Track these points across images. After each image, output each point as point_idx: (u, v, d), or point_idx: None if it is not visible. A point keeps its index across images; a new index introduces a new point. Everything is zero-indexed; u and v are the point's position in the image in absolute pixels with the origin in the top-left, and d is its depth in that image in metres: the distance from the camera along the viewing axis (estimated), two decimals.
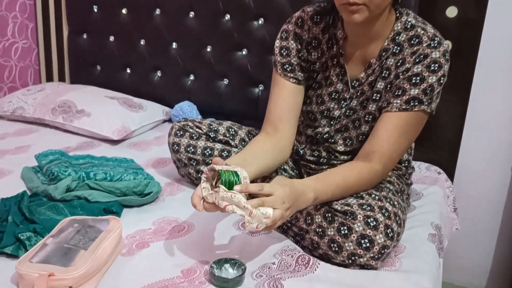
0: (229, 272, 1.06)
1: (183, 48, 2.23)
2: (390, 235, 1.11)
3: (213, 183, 1.08)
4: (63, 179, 1.34)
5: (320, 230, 1.16)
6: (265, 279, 1.07)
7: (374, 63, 1.27)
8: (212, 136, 1.49)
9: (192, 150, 1.47)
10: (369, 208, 1.13)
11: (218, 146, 1.47)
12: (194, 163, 1.48)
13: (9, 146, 1.87)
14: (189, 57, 2.23)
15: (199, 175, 1.48)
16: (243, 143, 1.49)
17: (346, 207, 1.14)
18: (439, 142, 1.88)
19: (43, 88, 2.28)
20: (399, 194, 1.29)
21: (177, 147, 1.50)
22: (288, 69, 1.33)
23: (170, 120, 2.25)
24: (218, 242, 1.23)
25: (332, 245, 1.13)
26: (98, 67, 2.47)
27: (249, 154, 1.24)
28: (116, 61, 2.40)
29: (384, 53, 1.25)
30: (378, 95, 1.28)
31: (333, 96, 1.35)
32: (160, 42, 2.27)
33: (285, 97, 1.34)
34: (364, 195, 1.18)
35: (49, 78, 2.67)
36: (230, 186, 1.02)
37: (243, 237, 1.26)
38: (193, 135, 1.49)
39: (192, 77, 2.26)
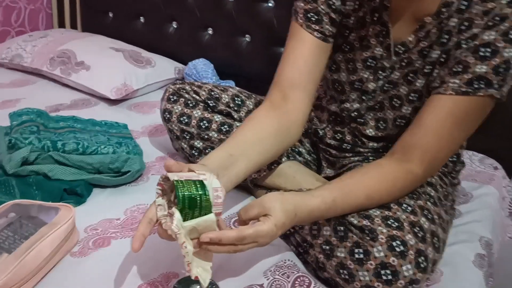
0: None
1: None
2: (422, 266, 0.80)
3: (172, 198, 0.77)
4: (21, 148, 1.10)
5: (327, 247, 0.86)
6: None
7: (429, 23, 0.92)
8: (211, 105, 1.19)
9: (186, 120, 1.19)
10: (396, 224, 0.82)
11: (218, 118, 1.18)
12: (187, 137, 1.19)
13: None
14: (208, 7, 1.92)
15: (193, 151, 1.20)
16: None
17: (364, 221, 0.84)
18: (498, 128, 1.51)
19: (46, 34, 2.04)
20: (442, 202, 0.97)
21: (168, 115, 1.21)
22: (313, 19, 0.98)
23: (183, 79, 1.97)
24: None
25: (341, 270, 0.83)
26: (110, 14, 2.21)
27: (239, 144, 0.91)
28: (128, 8, 2.13)
29: (444, 9, 0.90)
30: (431, 68, 0.95)
31: (368, 63, 1.02)
32: None
33: (304, 55, 0.99)
34: (391, 205, 0.87)
35: (61, 25, 2.43)
36: (191, 204, 0.71)
37: None
38: (189, 102, 1.20)
39: (210, 31, 1.95)
